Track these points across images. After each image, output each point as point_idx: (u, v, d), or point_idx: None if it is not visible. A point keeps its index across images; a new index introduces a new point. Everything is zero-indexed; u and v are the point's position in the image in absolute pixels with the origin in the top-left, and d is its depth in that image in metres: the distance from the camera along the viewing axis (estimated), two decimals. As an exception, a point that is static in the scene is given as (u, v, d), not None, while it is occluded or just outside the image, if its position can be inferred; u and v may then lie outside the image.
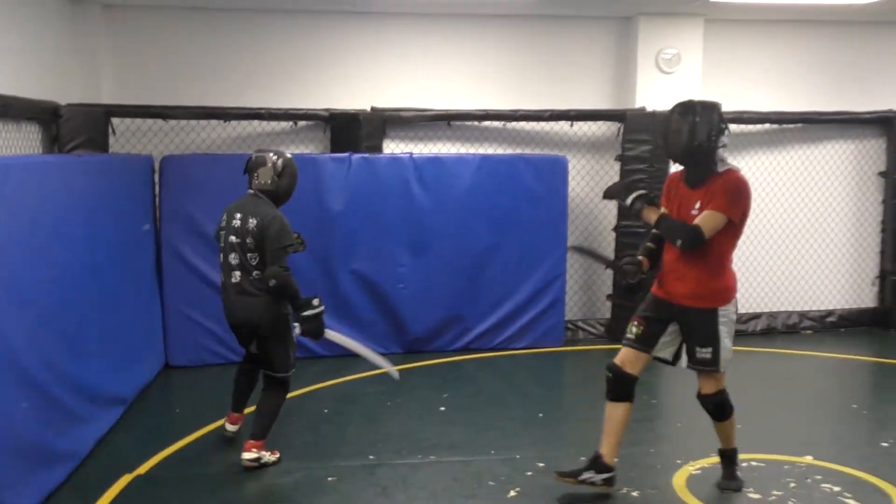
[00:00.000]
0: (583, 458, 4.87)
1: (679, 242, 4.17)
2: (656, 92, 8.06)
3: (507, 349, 7.72)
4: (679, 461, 4.87)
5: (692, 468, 4.76)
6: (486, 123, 8.10)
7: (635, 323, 4.40)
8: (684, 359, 4.38)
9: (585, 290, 8.51)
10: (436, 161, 7.62)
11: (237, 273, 4.72)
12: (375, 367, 5.45)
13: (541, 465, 4.83)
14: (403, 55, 8.05)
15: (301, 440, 5.32)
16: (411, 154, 7.64)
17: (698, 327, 4.27)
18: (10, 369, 3.91)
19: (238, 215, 4.79)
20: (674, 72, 8.08)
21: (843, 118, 8.45)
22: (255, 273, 4.68)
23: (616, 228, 8.07)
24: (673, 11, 7.93)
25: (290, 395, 5.06)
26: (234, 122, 7.67)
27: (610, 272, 8.10)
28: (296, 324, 4.79)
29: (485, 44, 8.18)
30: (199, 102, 7.54)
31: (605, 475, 4.34)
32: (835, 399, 6.28)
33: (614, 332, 8.11)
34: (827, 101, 8.53)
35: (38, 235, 4.41)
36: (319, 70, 7.95)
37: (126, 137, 7.49)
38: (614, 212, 8.15)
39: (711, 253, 4.22)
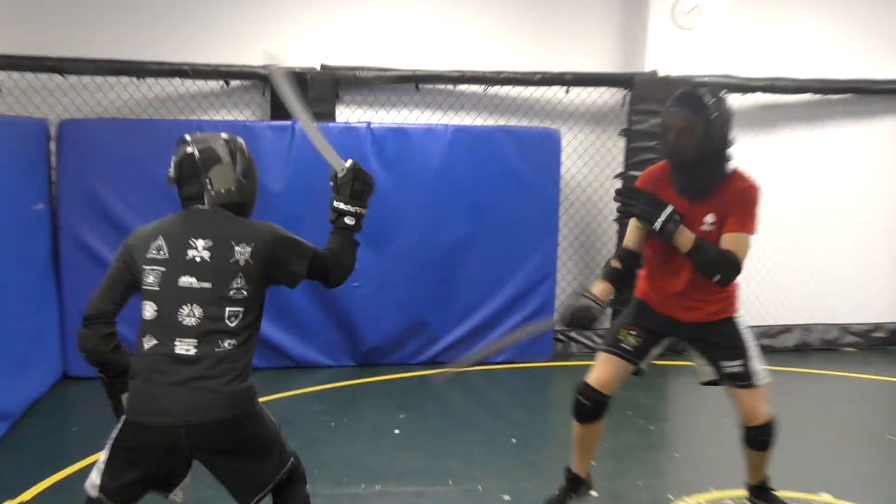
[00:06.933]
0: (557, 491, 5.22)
1: (718, 278, 4.21)
2: (672, 52, 8.31)
3: (482, 363, 7.91)
4: (670, 496, 5.15)
5: (686, 504, 5.05)
6: (463, 87, 8.30)
7: (633, 333, 4.53)
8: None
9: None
10: (399, 132, 7.85)
11: (190, 342, 3.32)
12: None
13: (506, 497, 5.09)
14: (363, 2, 8.23)
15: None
16: (369, 123, 7.81)
17: (719, 340, 4.47)
18: None
19: (200, 242, 3.42)
20: (693, 28, 8.30)
21: (902, 88, 8.67)
22: (227, 343, 3.36)
23: (619, 220, 8.22)
24: (694, -47, 8.19)
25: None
26: (150, 80, 7.81)
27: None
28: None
29: (462, -10, 8.37)
30: (108, 55, 7.58)
31: (587, 493, 4.87)
32: (870, 429, 6.52)
33: (615, 344, 8.38)
34: (881, 67, 8.79)
35: None
36: (258, 19, 8.05)
37: (15, 96, 7.58)
38: (617, 199, 8.36)
39: None
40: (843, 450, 6.11)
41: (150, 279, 3.37)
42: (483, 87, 8.33)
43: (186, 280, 3.35)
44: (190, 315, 3.32)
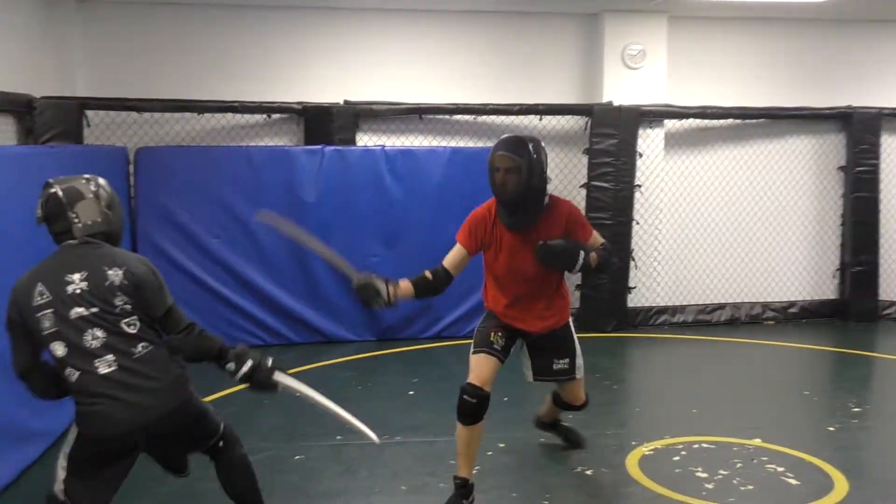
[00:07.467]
0: (542, 440, 5.10)
1: (615, 260, 4.35)
2: (623, 87, 8.22)
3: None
4: (634, 443, 5.01)
5: (646, 449, 4.91)
6: (457, 117, 8.19)
7: (499, 334, 4.15)
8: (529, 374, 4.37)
9: (554, 281, 8.61)
10: (407, 153, 7.74)
11: (108, 359, 2.99)
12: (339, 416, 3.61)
13: (501, 445, 4.98)
14: (376, 50, 8.13)
15: (271, 423, 5.42)
16: (383, 147, 7.74)
17: (555, 344, 4.28)
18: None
19: (76, 276, 3.03)
20: (639, 67, 8.23)
21: (804, 114, 8.59)
22: (140, 346, 3.05)
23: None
24: (637, 8, 8.07)
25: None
26: (207, 115, 7.75)
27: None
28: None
29: (456, 39, 8.28)
30: (173, 95, 7.58)
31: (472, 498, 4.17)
32: (789, 386, 6.40)
33: (582, 321, 8.25)
34: (788, 97, 8.68)
35: (12, 226, 4.40)
36: (293, 63, 8.01)
37: (101, 129, 7.57)
38: (583, 204, 8.21)
39: (561, 280, 4.25)
40: (769, 403, 6.01)
41: (47, 323, 2.97)
42: (474, 116, 8.18)
43: (76, 311, 2.98)
44: (94, 338, 2.97)
